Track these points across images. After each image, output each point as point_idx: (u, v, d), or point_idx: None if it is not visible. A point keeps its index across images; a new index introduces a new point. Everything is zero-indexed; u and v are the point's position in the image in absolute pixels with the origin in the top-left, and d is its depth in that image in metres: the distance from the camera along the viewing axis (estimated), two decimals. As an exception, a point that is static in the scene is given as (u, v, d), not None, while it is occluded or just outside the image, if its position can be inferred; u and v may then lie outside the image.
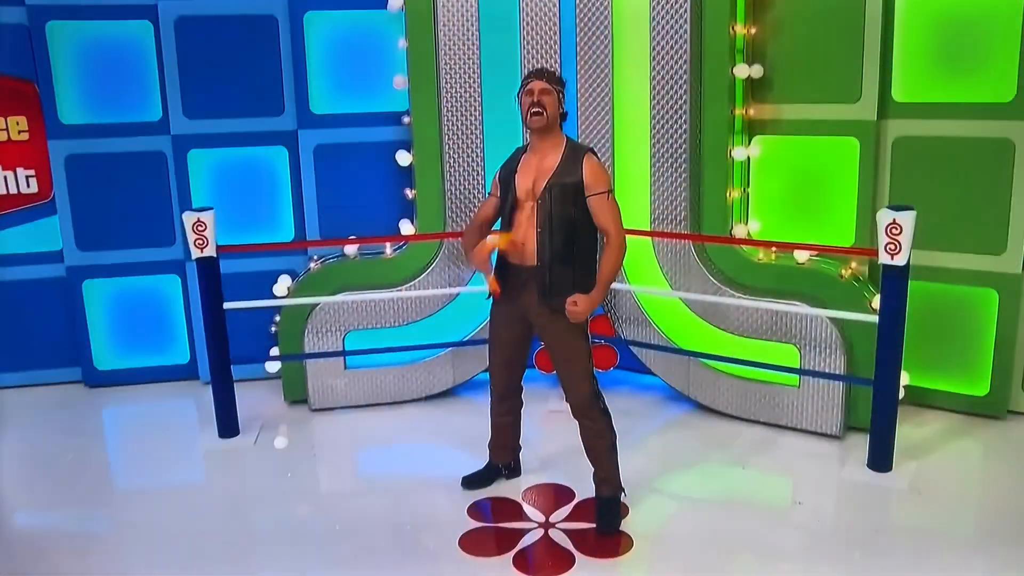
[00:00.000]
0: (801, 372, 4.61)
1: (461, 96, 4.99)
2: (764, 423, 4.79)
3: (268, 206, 5.49)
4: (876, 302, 4.38)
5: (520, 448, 4.06)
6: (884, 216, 3.94)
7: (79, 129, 5.27)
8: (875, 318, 4.15)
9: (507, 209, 3.63)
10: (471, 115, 5.02)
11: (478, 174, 5.11)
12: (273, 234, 5.47)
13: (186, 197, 5.32)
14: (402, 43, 5.03)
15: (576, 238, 3.53)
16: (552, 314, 3.58)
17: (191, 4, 5.15)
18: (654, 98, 4.82)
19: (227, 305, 4.69)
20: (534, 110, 3.49)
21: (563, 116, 3.62)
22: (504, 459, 4.04)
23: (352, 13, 5.22)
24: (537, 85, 3.51)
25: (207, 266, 4.56)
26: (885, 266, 4.00)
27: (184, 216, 4.46)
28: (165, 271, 5.51)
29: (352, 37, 5.25)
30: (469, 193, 5.13)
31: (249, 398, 5.24)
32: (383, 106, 5.28)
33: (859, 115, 4.68)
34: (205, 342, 4.76)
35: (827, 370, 4.55)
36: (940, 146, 4.60)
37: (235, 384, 4.90)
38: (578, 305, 3.47)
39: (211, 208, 4.54)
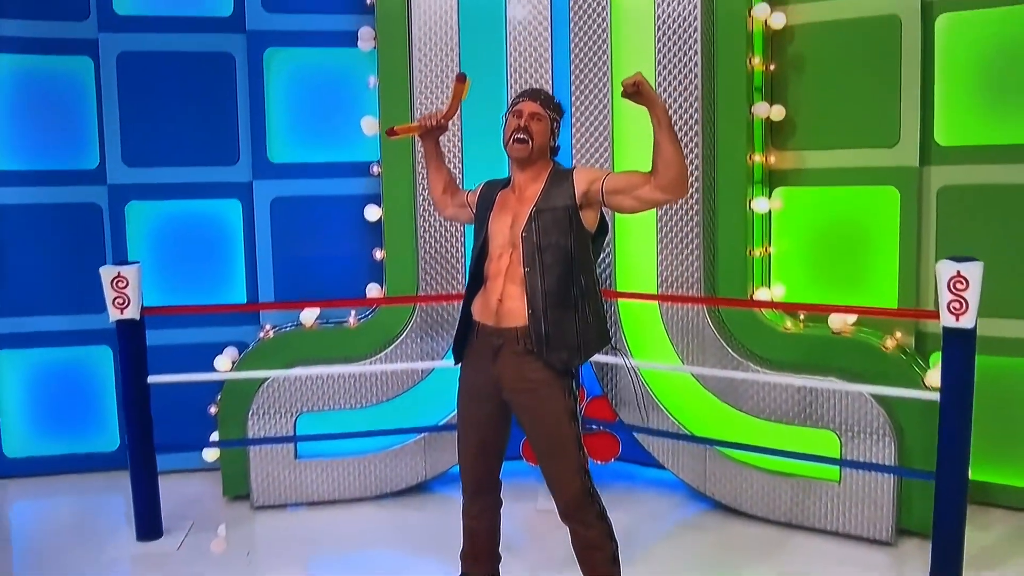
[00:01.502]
0: (843, 463, 3.86)
1: (441, 138, 4.34)
2: (798, 526, 4.02)
3: (217, 267, 4.84)
4: (930, 377, 3.67)
5: (500, 559, 3.22)
6: (945, 269, 3.24)
7: (2, 176, 4.64)
8: (933, 396, 3.42)
9: (477, 258, 2.94)
10: (450, 165, 4.39)
11: (456, 232, 4.44)
12: (222, 299, 4.78)
13: (122, 255, 4.64)
14: (373, 81, 4.44)
15: (575, 276, 2.84)
16: (532, 390, 2.85)
17: (136, 39, 4.60)
18: (660, 142, 4.17)
19: (152, 379, 3.96)
20: (518, 136, 2.86)
21: (554, 150, 2.99)
22: (481, 572, 3.19)
23: (317, 51, 4.67)
24: (528, 107, 2.90)
25: (128, 331, 3.83)
26: (948, 330, 3.28)
27: (102, 271, 3.75)
28: (93, 341, 4.79)
29: (317, 78, 4.72)
30: (446, 253, 4.45)
31: (182, 492, 4.50)
32: (350, 155, 4.70)
33: (898, 161, 4.06)
34: (125, 423, 3.97)
35: (874, 460, 3.81)
36: (992, 195, 3.99)
37: (167, 476, 4.25)
38: (638, 77, 2.71)
39: (135, 262, 3.83)
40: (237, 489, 4.45)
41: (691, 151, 4.12)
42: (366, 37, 4.45)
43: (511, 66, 4.39)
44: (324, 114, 4.70)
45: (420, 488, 4.53)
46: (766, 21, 4.15)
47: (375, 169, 4.55)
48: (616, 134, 4.34)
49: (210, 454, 4.57)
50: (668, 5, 4.11)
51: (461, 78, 3.02)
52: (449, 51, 4.36)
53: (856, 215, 4.19)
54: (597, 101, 4.36)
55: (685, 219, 4.17)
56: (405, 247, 4.46)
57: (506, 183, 3.00)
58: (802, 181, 4.28)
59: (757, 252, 4.20)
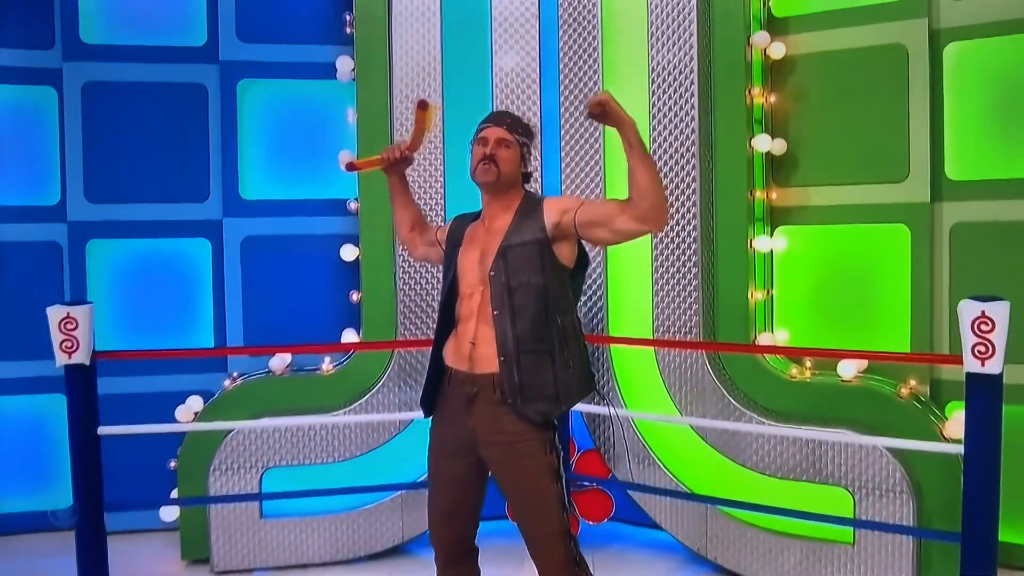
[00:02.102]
0: (856, 524, 3.54)
1: (419, 179, 4.16)
2: (809, 594, 3.64)
3: (184, 310, 4.55)
4: (950, 428, 3.40)
5: (480, 633, 2.86)
6: (968, 309, 2.95)
7: (-47, 214, 4.39)
8: (954, 448, 3.12)
9: (447, 298, 2.69)
10: (431, 201, 4.17)
11: (438, 273, 4.15)
12: (188, 344, 4.49)
13: (81, 296, 4.35)
14: (352, 115, 4.21)
15: (550, 317, 2.55)
16: (509, 443, 2.54)
17: (103, 68, 4.38)
18: (654, 176, 3.93)
19: (103, 430, 3.60)
20: (484, 165, 2.61)
21: (526, 176, 2.73)
22: None
23: (294, 83, 4.46)
24: (493, 133, 2.64)
25: (78, 377, 3.50)
26: (972, 376, 2.97)
27: (49, 312, 3.44)
28: (48, 389, 4.44)
29: (293, 110, 4.48)
30: (427, 296, 4.17)
31: (136, 555, 4.16)
32: (326, 191, 4.45)
33: (908, 197, 3.83)
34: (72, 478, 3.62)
35: (891, 520, 3.50)
36: (1009, 232, 3.74)
37: (121, 536, 3.98)
38: (604, 96, 2.41)
39: (87, 302, 3.53)
40: (197, 552, 4.09)
41: (688, 186, 3.88)
42: (345, 67, 4.23)
43: (497, 98, 4.16)
44: (300, 149, 4.47)
45: (397, 551, 4.19)
46: (765, 50, 3.95)
47: (352, 206, 4.29)
48: (607, 159, 4.10)
49: (168, 513, 4.21)
50: (662, 33, 3.89)
51: (422, 105, 2.76)
52: (432, 80, 4.14)
53: (864, 255, 3.94)
54: (588, 132, 4.12)
55: (683, 259, 3.90)
56: (383, 289, 4.19)
57: (476, 216, 2.75)
58: (806, 219, 4.03)
59: (759, 295, 3.93)
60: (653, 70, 3.92)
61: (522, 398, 2.51)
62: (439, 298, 3.90)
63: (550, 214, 2.58)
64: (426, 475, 3.73)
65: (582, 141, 4.14)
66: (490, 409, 2.54)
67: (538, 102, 4.16)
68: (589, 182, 4.13)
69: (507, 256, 2.55)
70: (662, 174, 3.91)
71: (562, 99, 4.17)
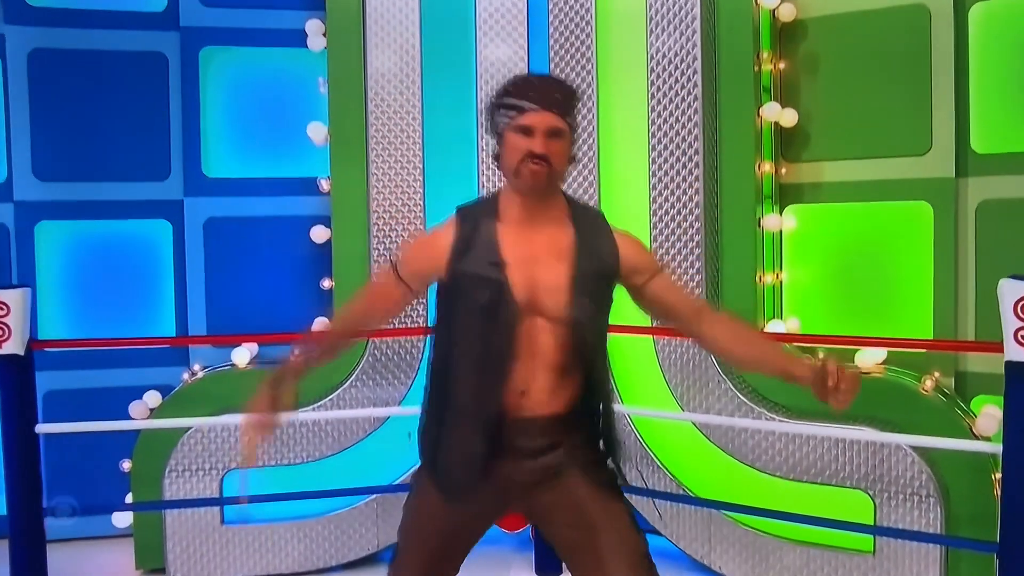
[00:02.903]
0: (877, 531, 3.21)
1: (397, 155, 3.84)
2: (824, 607, 3.32)
3: (143, 297, 4.22)
4: (981, 425, 3.13)
5: None
6: (1010, 290, 2.64)
7: None
8: (988, 447, 2.81)
9: (488, 328, 2.02)
10: (409, 179, 3.86)
11: (418, 255, 3.82)
12: (147, 333, 4.16)
13: (30, 283, 3.98)
14: (323, 84, 3.87)
15: (606, 354, 2.19)
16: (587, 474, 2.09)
17: (52, 34, 4.04)
18: (654, 150, 3.63)
19: (42, 428, 3.28)
20: (534, 165, 1.98)
21: (572, 161, 2.12)
22: None
23: (261, 51, 4.14)
24: (543, 121, 1.98)
25: (10, 368, 3.16)
26: (1014, 366, 2.65)
27: (-22, 296, 3.09)
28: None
29: (260, 81, 4.17)
30: (405, 279, 3.82)
31: (87, 564, 3.84)
32: (296, 169, 4.13)
33: (930, 172, 3.50)
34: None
35: (915, 527, 3.17)
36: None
37: (72, 544, 3.76)
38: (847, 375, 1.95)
39: (23, 286, 3.19)
40: (153, 561, 3.76)
41: (690, 159, 3.56)
42: (315, 32, 3.89)
43: (481, 64, 3.82)
44: (267, 123, 4.16)
45: (372, 560, 3.85)
46: (774, 12, 3.62)
47: (324, 185, 3.95)
48: (601, 155, 3.78)
49: (121, 519, 3.87)
50: (662, -8, 3.56)
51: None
52: (410, 47, 3.82)
53: (882, 235, 3.63)
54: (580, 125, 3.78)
55: (684, 239, 3.58)
56: (357, 274, 3.86)
57: (491, 212, 2.07)
58: (818, 197, 3.72)
59: (768, 278, 3.60)
60: (652, 32, 3.60)
61: (615, 447, 2.14)
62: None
63: (628, 258, 2.11)
64: (403, 476, 3.43)
65: (576, 177, 3.82)
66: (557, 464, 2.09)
67: (525, 55, 3.82)
68: (582, 180, 3.78)
69: (586, 288, 2.03)
70: (662, 149, 3.60)
71: (551, 50, 3.82)
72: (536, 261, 2.02)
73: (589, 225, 2.12)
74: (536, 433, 2.04)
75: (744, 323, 2.21)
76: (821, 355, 3.55)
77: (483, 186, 3.83)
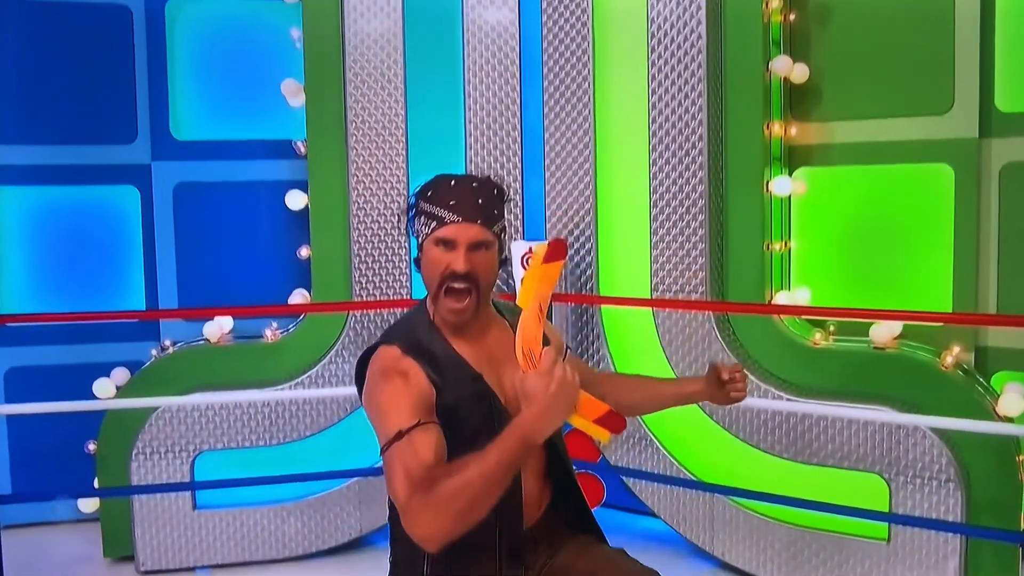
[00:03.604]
0: (892, 518, 3.00)
1: (377, 115, 3.59)
2: (833, 598, 3.15)
3: (109, 269, 3.98)
4: (1004, 405, 2.94)
5: None
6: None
7: None
8: (1015, 429, 2.59)
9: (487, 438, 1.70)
10: (391, 140, 3.61)
11: (399, 224, 3.60)
12: (115, 307, 3.92)
13: (-12, 253, 3.77)
14: (296, 35, 3.61)
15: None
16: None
17: (4, -15, 3.73)
18: (655, 108, 3.40)
19: (2, 409, 3.05)
20: (458, 285, 1.79)
21: (504, 265, 1.96)
22: None
23: (232, 1, 3.88)
24: (467, 234, 1.78)
25: (-42, 346, 2.91)
26: (1048, 342, 2.41)
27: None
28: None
29: (231, 35, 3.91)
30: (386, 250, 3.63)
31: (53, 551, 3.63)
32: (271, 130, 3.88)
33: (951, 132, 3.26)
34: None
35: (933, 514, 2.96)
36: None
37: (37, 529, 3.62)
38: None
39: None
40: (120, 549, 3.56)
41: (693, 118, 3.32)
42: (289, -21, 3.62)
43: (469, 26, 3.56)
44: (240, 81, 3.91)
45: (355, 545, 3.65)
46: (784, -43, 3.35)
47: (300, 147, 3.70)
48: (598, 105, 3.53)
49: (87, 504, 3.66)
50: (663, -65, 3.29)
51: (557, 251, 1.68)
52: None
53: (899, 200, 3.39)
54: (576, 97, 3.53)
55: (686, 204, 3.35)
56: (336, 243, 3.64)
57: (428, 329, 1.85)
58: (830, 160, 3.49)
59: (776, 247, 3.38)
60: (652, -20, 3.33)
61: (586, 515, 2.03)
62: (405, 255, 3.21)
63: (554, 343, 1.98)
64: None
65: (568, 107, 3.57)
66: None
67: (516, 35, 3.56)
68: (577, 142, 3.52)
69: None
70: (663, 104, 3.36)
71: (545, 45, 3.57)
72: (495, 364, 1.87)
73: (513, 315, 1.93)
74: (534, 542, 1.92)
75: (631, 374, 2.26)
76: (832, 328, 3.34)
77: (470, 148, 3.58)
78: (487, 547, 1.81)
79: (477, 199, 1.80)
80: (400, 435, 1.63)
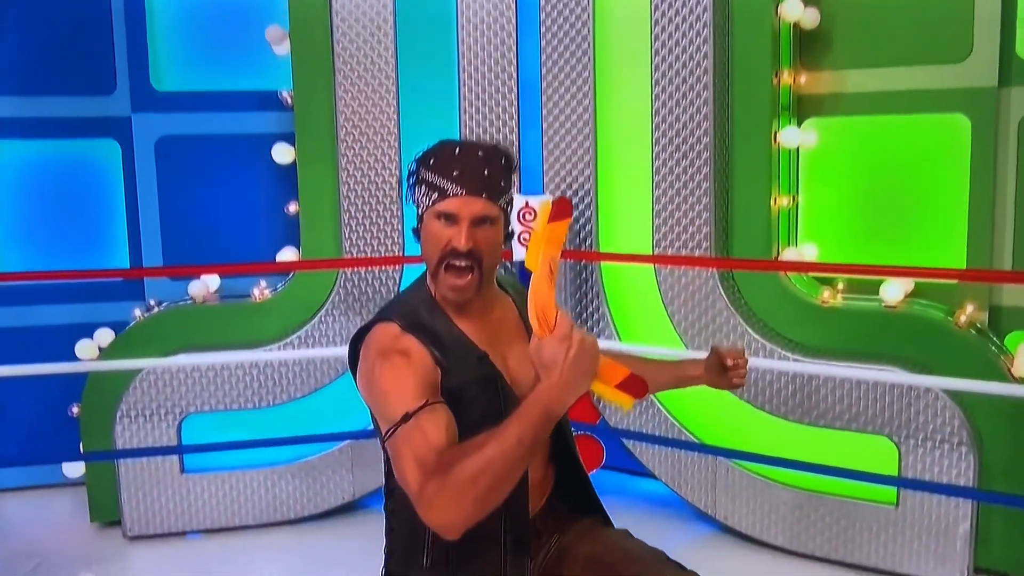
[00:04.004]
0: (901, 483, 2.90)
1: (367, 63, 3.41)
2: (838, 563, 3.07)
3: (90, 226, 3.83)
4: (1019, 365, 2.82)
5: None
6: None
7: None
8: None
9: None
10: (381, 90, 3.43)
11: (391, 178, 3.44)
12: (97, 266, 3.77)
13: (-39, 212, 3.61)
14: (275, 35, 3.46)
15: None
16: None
17: (-29, -73, 3.52)
18: (657, 55, 3.24)
19: (-25, 372, 2.93)
20: (456, 263, 1.66)
21: (509, 239, 1.84)
22: None
23: None
24: (470, 208, 1.66)
25: (-71, 306, 2.78)
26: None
27: None
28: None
29: None
30: (377, 205, 3.47)
31: (39, 516, 3.55)
32: (256, 80, 3.69)
33: (969, 80, 3.10)
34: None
35: (944, 479, 2.87)
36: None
37: (21, 494, 3.56)
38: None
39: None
40: (107, 513, 3.46)
41: (698, 65, 3.15)
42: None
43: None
44: (224, 28, 3.70)
45: (349, 509, 3.55)
46: None
47: (286, 97, 3.53)
48: (597, 49, 3.36)
49: (73, 468, 3.56)
50: None
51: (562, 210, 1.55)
52: (379, -62, 3.34)
53: (912, 152, 3.24)
54: (574, 67, 3.35)
55: (690, 155, 3.19)
56: (325, 198, 3.48)
57: (430, 307, 1.73)
58: (840, 110, 3.32)
59: (783, 201, 3.24)
60: (655, -82, 3.14)
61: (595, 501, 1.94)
62: (397, 211, 3.13)
63: None
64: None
65: (567, 55, 3.38)
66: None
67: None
68: (576, 90, 3.36)
69: None
70: (666, 50, 3.18)
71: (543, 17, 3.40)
72: (499, 343, 1.76)
73: (518, 293, 1.87)
74: (537, 529, 1.83)
75: (627, 355, 2.16)
76: (841, 286, 3.22)
77: (464, 98, 3.42)
78: (491, 537, 1.70)
79: (483, 170, 1.66)
80: (407, 418, 1.50)
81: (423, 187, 1.68)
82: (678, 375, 2.03)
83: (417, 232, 1.73)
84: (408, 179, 1.73)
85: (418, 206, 1.71)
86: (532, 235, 1.53)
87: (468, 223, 1.64)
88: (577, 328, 1.45)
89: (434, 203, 1.66)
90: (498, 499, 1.43)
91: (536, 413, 1.42)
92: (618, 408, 3.06)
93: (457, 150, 1.68)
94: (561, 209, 1.51)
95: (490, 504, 1.42)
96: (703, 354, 3.17)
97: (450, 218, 1.65)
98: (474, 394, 1.66)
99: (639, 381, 1.48)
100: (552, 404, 1.42)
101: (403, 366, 1.58)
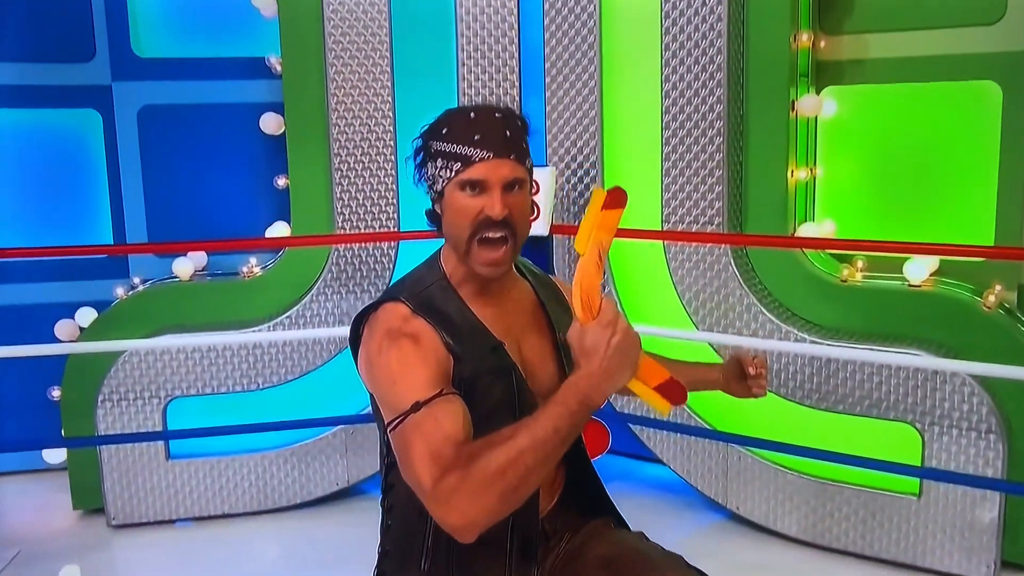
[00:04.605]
0: (924, 473, 2.76)
1: (359, 27, 3.22)
2: (857, 555, 2.93)
3: (72, 200, 3.65)
4: None
5: None
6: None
7: None
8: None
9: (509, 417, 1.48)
10: (375, 55, 3.24)
11: (384, 148, 3.26)
12: (79, 240, 3.60)
13: (-66, 185, 3.45)
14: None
15: None
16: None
17: None
18: (668, 18, 3.07)
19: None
20: (493, 234, 1.51)
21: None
22: None
23: None
24: (500, 172, 1.50)
25: None
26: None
27: None
28: None
29: None
30: (371, 178, 3.30)
31: (21, 503, 3.43)
32: (244, 47, 3.50)
33: (1001, 44, 2.91)
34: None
35: (970, 469, 2.72)
36: None
37: (5, 479, 3.39)
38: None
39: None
40: (91, 500, 3.31)
41: (712, 28, 2.96)
42: None
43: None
44: (210, -9, 3.51)
45: (344, 495, 3.41)
46: None
47: (274, 64, 3.34)
48: (604, 11, 3.14)
49: (54, 455, 3.42)
50: None
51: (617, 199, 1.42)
52: None
53: (939, 122, 3.06)
54: (580, 37, 3.16)
55: (702, 125, 3.02)
56: (316, 171, 3.31)
57: (443, 287, 1.57)
58: (862, 77, 3.13)
59: (801, 173, 3.06)
60: None
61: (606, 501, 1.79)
62: (392, 184, 3.00)
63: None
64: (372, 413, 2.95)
65: (571, 17, 3.20)
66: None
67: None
68: (581, 56, 3.16)
69: (568, 357, 1.51)
70: (677, 12, 2.99)
71: None
72: (514, 332, 1.62)
73: (535, 277, 1.73)
74: (546, 531, 1.68)
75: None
76: (860, 264, 3.05)
77: (462, 64, 3.23)
78: (496, 542, 1.56)
79: (504, 131, 1.51)
80: (417, 407, 1.37)
81: (439, 160, 1.52)
82: (694, 377, 1.88)
83: (433, 214, 1.57)
84: (415, 157, 1.57)
85: (433, 183, 1.54)
86: (584, 219, 1.43)
87: (499, 188, 1.50)
88: (622, 317, 1.34)
89: (457, 173, 1.50)
90: (524, 495, 1.31)
91: (575, 401, 1.31)
92: (657, 413, 2.92)
93: (473, 114, 1.53)
94: (616, 198, 1.40)
95: (516, 501, 1.31)
96: (715, 337, 3.06)
97: (477, 186, 1.50)
98: (487, 386, 1.51)
99: (679, 387, 1.38)
100: (591, 393, 1.31)
101: (412, 351, 1.45)
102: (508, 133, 1.51)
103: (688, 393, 1.40)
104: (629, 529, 1.77)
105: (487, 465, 1.27)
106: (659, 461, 3.36)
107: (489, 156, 1.49)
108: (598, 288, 1.37)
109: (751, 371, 1.80)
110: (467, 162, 1.49)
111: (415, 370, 1.42)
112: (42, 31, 3.47)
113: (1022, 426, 2.68)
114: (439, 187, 1.53)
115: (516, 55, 3.23)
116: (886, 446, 2.83)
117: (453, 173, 1.50)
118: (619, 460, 3.57)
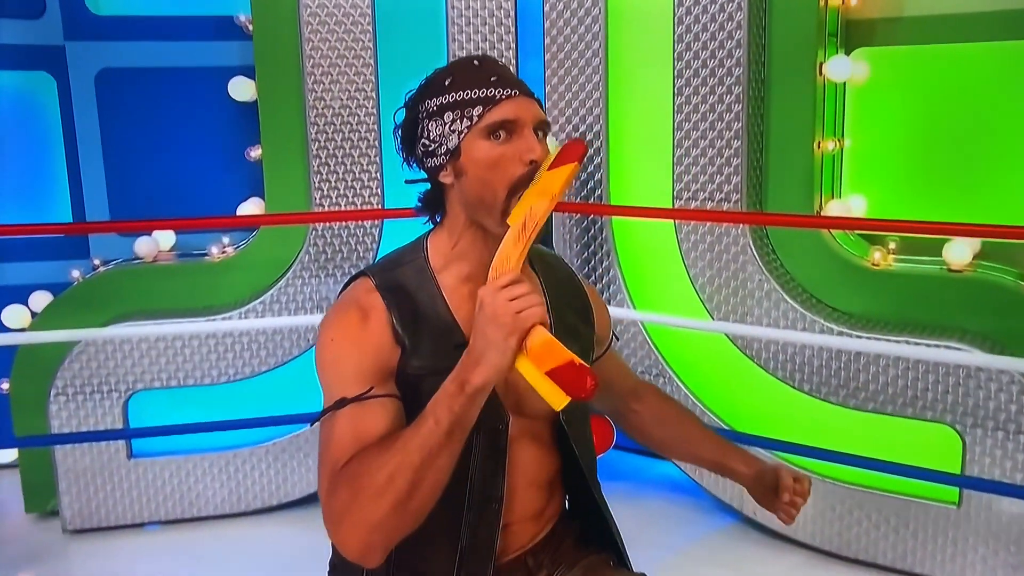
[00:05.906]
0: (964, 482, 2.51)
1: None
2: (887, 568, 2.68)
3: (25, 171, 3.37)
4: None
5: None
6: None
7: None
8: None
9: (482, 451, 1.35)
10: (354, 13, 2.96)
11: (367, 117, 2.99)
12: (33, 217, 3.32)
13: None
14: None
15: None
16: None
17: None
18: (681, -30, 2.72)
19: None
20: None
21: None
22: None
23: None
24: (531, 110, 1.30)
25: None
26: None
27: None
28: None
29: None
30: (352, 149, 3.02)
31: None
32: (212, 5, 3.21)
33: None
34: None
35: (1017, 477, 2.46)
36: None
37: None
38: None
39: None
40: (45, 503, 3.06)
41: (732, -19, 2.64)
42: None
43: None
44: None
45: (315, 499, 3.14)
46: None
47: (245, 23, 3.04)
48: (611, 28, 2.85)
49: (2, 453, 3.16)
50: None
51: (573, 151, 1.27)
52: None
53: (980, 87, 2.79)
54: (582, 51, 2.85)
55: (719, 91, 2.74)
56: (291, 142, 3.04)
57: (420, 269, 1.36)
58: (896, 37, 2.86)
59: (828, 144, 2.78)
60: None
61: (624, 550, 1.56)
62: (376, 157, 2.78)
63: (602, 325, 1.56)
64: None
65: (574, 4, 2.88)
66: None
67: None
68: (584, 49, 2.87)
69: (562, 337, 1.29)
70: (692, -35, 2.69)
71: None
72: None
73: (551, 271, 1.49)
74: (529, 568, 1.45)
75: (678, 405, 1.75)
76: (892, 246, 2.78)
77: (453, 23, 2.93)
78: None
79: (516, 75, 1.35)
80: (342, 403, 1.23)
81: (447, 114, 1.28)
82: (722, 460, 1.62)
83: (440, 183, 1.33)
84: (410, 123, 1.33)
85: (440, 144, 1.29)
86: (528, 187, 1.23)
87: (533, 128, 1.29)
88: (519, 286, 1.16)
89: (480, 118, 1.27)
90: (421, 505, 1.16)
91: (452, 384, 1.17)
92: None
93: (477, 62, 1.33)
94: (568, 152, 1.18)
95: (414, 511, 1.16)
96: (731, 327, 2.80)
97: (508, 128, 1.27)
98: (434, 387, 1.23)
99: (581, 377, 1.11)
100: (465, 373, 1.16)
101: (356, 330, 1.28)
102: (519, 78, 1.34)
103: (597, 388, 1.12)
104: (630, 570, 1.52)
105: (377, 473, 1.15)
106: (668, 459, 3.12)
107: (515, 93, 1.28)
108: (512, 262, 1.19)
109: (786, 498, 1.51)
110: (490, 102, 1.27)
111: (350, 357, 1.27)
112: (-15, -15, 3.17)
113: (1075, 429, 2.43)
114: (452, 144, 1.28)
115: (512, 13, 2.97)
116: (922, 450, 2.58)
117: (474, 120, 1.27)
118: (625, 456, 3.33)
